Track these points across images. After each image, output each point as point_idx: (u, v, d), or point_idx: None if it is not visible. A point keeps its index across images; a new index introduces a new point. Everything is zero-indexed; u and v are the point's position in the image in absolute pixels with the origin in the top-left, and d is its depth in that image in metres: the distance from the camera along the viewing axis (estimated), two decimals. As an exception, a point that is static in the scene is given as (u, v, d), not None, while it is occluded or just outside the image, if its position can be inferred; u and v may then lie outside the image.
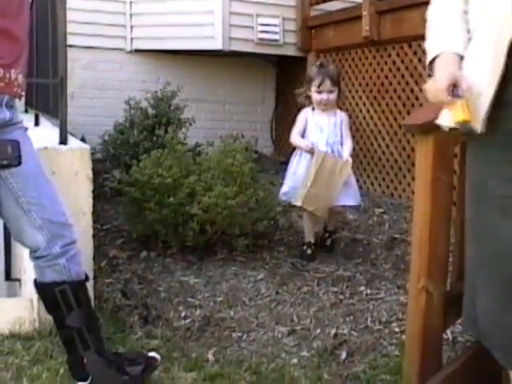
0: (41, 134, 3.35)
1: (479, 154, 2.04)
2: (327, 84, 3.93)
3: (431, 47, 2.07)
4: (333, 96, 3.98)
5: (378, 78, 5.35)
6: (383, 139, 5.34)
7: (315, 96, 3.97)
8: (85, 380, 2.52)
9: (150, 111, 5.06)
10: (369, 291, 3.54)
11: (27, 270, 3.22)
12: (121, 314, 3.23)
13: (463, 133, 2.03)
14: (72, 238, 2.52)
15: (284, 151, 6.26)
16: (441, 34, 2.07)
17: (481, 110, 1.89)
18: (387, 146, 5.30)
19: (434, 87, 1.95)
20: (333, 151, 3.95)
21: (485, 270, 2.05)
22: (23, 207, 2.41)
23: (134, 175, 3.81)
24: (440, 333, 2.67)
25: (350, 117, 5.30)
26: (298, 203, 3.89)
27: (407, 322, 2.73)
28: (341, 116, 4.08)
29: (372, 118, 5.46)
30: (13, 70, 2.36)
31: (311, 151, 3.88)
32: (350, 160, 3.93)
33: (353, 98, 5.67)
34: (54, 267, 2.47)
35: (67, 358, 2.58)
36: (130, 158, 4.48)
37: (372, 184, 5.47)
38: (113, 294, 3.40)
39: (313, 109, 4.05)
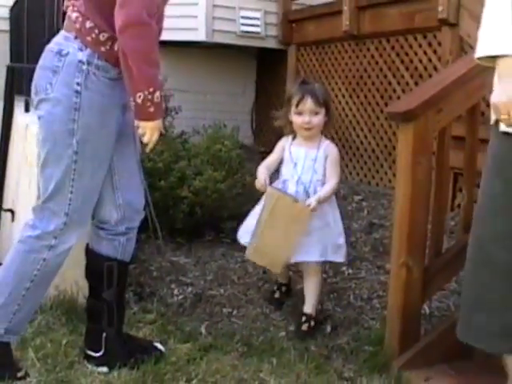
0: (32, 119, 3.46)
1: None
2: (308, 103, 3.12)
3: (490, 39, 2.03)
4: (317, 120, 3.15)
5: (358, 71, 5.53)
6: (362, 130, 5.53)
7: (294, 119, 3.17)
8: (97, 351, 2.69)
9: (138, 100, 5.18)
10: (350, 271, 3.74)
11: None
12: (116, 292, 3.40)
13: None
14: (137, 223, 2.73)
15: (264, 141, 6.42)
16: (503, 26, 1.98)
17: None
18: (365, 137, 5.50)
19: (504, 105, 1.97)
20: (307, 193, 3.11)
21: None
22: (113, 184, 2.61)
23: (127, 160, 3.96)
24: (419, 305, 2.88)
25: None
26: (248, 256, 3.15)
27: (389, 296, 2.94)
28: (326, 149, 3.20)
29: (351, 109, 5.64)
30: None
31: (262, 189, 3.10)
32: (314, 204, 2.99)
33: (333, 90, 5.85)
34: (113, 242, 2.67)
35: (87, 327, 2.75)
36: (119, 144, 4.61)
37: (350, 173, 5.66)
38: (107, 272, 3.56)
39: (294, 137, 3.26)
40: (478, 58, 2.11)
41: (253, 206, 4.11)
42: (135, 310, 3.22)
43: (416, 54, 4.89)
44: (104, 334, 2.67)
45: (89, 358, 2.69)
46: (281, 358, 2.82)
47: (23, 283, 2.50)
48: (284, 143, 3.28)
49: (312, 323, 3.14)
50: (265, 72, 6.92)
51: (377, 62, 5.30)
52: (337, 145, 5.64)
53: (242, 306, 3.35)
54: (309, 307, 3.17)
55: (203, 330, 3.10)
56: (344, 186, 5.30)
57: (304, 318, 3.14)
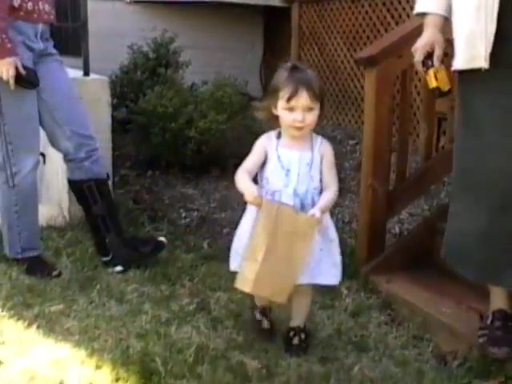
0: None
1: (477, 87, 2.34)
2: (303, 98, 2.39)
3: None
4: (311, 117, 2.44)
5: (354, 26, 6.02)
6: (359, 81, 6.03)
7: (284, 115, 2.44)
8: (107, 255, 3.30)
9: (151, 55, 5.70)
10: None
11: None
12: (132, 215, 4.00)
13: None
14: (94, 145, 3.27)
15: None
16: None
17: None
18: (362, 87, 5.98)
19: (415, 54, 2.47)
20: (304, 207, 2.45)
21: None
22: (57, 121, 3.17)
23: (141, 105, 4.54)
24: (383, 222, 3.40)
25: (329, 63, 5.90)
26: (246, 289, 2.40)
27: (359, 214, 3.47)
28: (321, 148, 2.53)
29: (349, 62, 6.14)
30: (40, 2, 3.00)
31: (256, 203, 2.37)
32: (318, 214, 2.37)
33: (333, 44, 6.36)
34: (81, 168, 3.24)
35: (94, 239, 3.37)
36: (135, 94, 5.16)
37: (350, 121, 6.18)
38: (125, 201, 4.17)
39: (278, 135, 2.52)
40: (416, 15, 2.63)
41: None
42: (148, 229, 3.82)
43: (404, 9, 5.36)
44: (107, 240, 3.27)
45: (105, 263, 3.29)
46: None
47: (11, 209, 3.14)
48: (265, 144, 2.51)
49: (302, 336, 2.66)
50: (271, 29, 7.40)
51: (370, 18, 5.78)
52: (337, 96, 6.29)
53: (239, 227, 3.92)
54: (296, 322, 2.69)
55: (205, 245, 3.68)
56: (341, 131, 5.85)
57: (292, 333, 2.66)
